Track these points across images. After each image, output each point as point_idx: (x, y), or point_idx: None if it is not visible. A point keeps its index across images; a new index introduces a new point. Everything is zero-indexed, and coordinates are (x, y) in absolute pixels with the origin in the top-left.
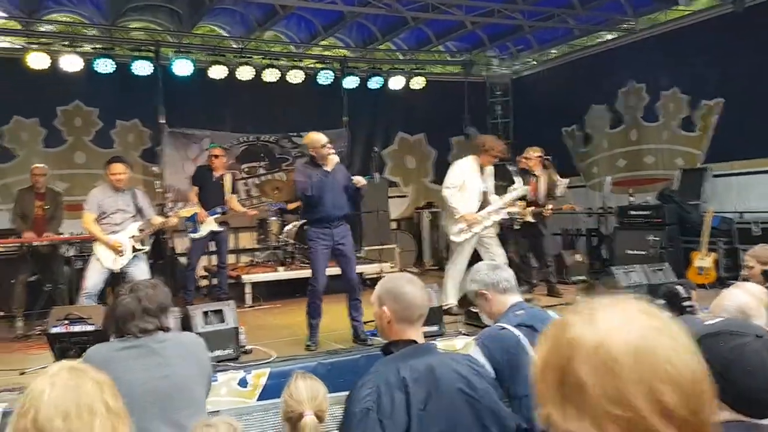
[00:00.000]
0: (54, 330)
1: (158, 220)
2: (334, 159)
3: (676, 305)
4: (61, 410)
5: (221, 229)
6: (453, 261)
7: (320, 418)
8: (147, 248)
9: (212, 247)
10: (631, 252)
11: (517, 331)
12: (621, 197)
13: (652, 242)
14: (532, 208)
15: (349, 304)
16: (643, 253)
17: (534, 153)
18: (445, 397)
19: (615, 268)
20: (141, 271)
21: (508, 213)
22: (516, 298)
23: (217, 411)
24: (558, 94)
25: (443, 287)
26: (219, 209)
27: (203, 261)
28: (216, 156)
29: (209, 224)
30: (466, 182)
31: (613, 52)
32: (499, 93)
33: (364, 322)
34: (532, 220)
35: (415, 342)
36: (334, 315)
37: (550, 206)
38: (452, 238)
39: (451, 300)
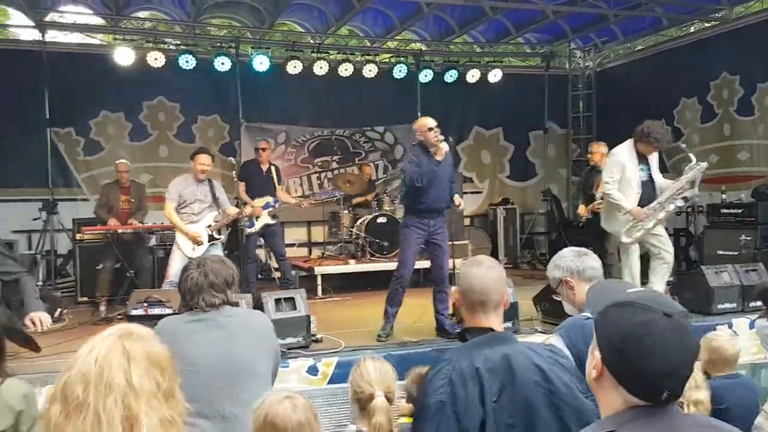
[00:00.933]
0: (133, 312)
1: (233, 210)
2: (444, 147)
3: None
4: (83, 378)
5: (274, 221)
6: (625, 265)
7: (390, 400)
8: (223, 237)
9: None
10: (722, 252)
11: None
12: (712, 195)
13: (744, 242)
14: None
15: (435, 296)
16: (735, 253)
17: (599, 148)
18: (520, 390)
19: (705, 268)
20: None
21: (684, 198)
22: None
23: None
24: (645, 87)
25: None
26: (271, 202)
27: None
28: (263, 149)
29: (264, 218)
30: (625, 173)
31: (704, 43)
32: (581, 86)
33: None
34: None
35: (491, 330)
36: (407, 309)
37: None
38: (623, 239)
39: None
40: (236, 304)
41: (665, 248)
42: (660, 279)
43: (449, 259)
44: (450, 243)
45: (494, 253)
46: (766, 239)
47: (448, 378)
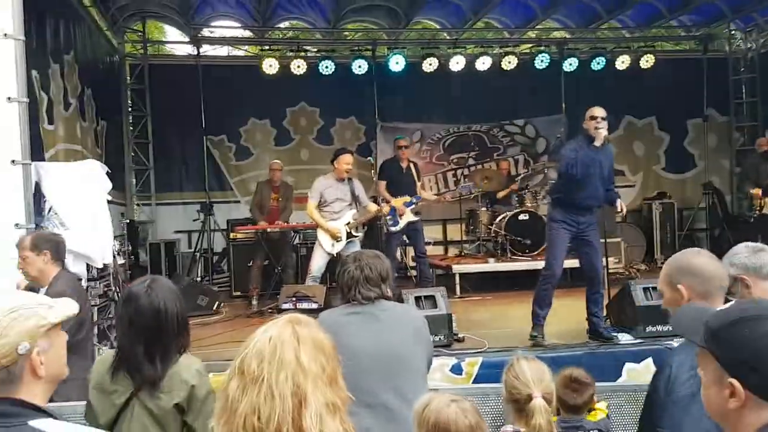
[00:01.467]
0: (284, 306)
1: (373, 207)
2: (602, 133)
3: None
4: (259, 354)
5: (416, 218)
6: None
7: (548, 401)
8: (361, 234)
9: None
10: None
11: None
12: None
13: None
14: None
15: (589, 297)
16: None
17: None
18: None
19: None
20: None
21: None
22: None
23: (437, 389)
24: None
25: None
26: (414, 199)
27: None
28: (405, 147)
29: (407, 216)
30: None
31: None
32: (743, 70)
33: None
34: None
35: None
36: (553, 310)
37: None
38: None
39: None
40: (390, 298)
41: None
42: None
43: (602, 257)
44: (603, 240)
45: (650, 252)
46: None
47: (694, 371)
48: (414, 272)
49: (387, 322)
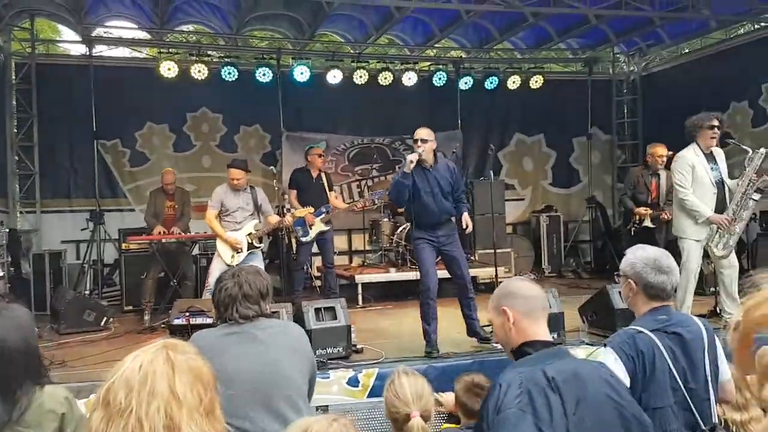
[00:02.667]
0: (176, 321)
1: (275, 219)
2: (409, 157)
3: None
4: (127, 384)
5: (327, 228)
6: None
7: (426, 418)
8: (262, 246)
9: (313, 248)
10: None
11: (655, 338)
12: (765, 202)
13: None
14: (651, 211)
15: (462, 303)
16: None
17: (658, 149)
18: (594, 404)
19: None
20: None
21: (759, 191)
22: (663, 302)
23: (326, 406)
24: (692, 91)
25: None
26: (324, 209)
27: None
28: (320, 155)
29: (318, 226)
30: (696, 173)
31: (755, 44)
32: (625, 91)
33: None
34: (651, 225)
35: (552, 343)
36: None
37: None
38: (717, 253)
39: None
40: (271, 316)
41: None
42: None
43: (466, 265)
44: (493, 251)
45: (538, 262)
46: None
47: (524, 388)
48: (319, 282)
49: (266, 342)
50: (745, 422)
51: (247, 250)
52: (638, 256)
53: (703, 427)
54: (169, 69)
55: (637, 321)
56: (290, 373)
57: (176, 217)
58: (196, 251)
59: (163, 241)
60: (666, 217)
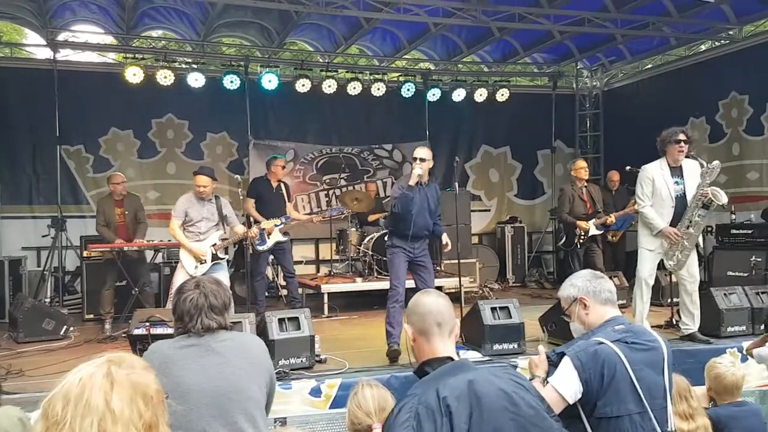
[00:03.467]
0: (136, 331)
1: (240, 229)
2: (415, 174)
3: None
4: (65, 397)
5: (285, 238)
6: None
7: None
8: (227, 257)
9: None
10: (732, 273)
11: (615, 348)
12: (721, 215)
13: (755, 263)
14: (593, 220)
15: None
16: (745, 274)
17: (580, 163)
18: (489, 415)
19: (714, 290)
20: (222, 278)
21: (705, 206)
22: (615, 312)
23: (285, 418)
24: (652, 106)
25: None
26: (282, 219)
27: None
28: (283, 167)
29: (275, 236)
30: (655, 186)
31: (712, 62)
32: (588, 106)
33: None
34: (597, 232)
35: (450, 359)
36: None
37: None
38: (668, 265)
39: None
40: (231, 328)
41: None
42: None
43: (434, 277)
44: (458, 261)
45: (502, 272)
46: None
47: (414, 412)
48: (285, 292)
49: (224, 354)
50: (692, 431)
51: (212, 261)
52: (573, 277)
53: None
54: (134, 74)
55: (596, 332)
56: (248, 386)
57: (127, 224)
58: (159, 260)
59: (125, 249)
60: (612, 220)
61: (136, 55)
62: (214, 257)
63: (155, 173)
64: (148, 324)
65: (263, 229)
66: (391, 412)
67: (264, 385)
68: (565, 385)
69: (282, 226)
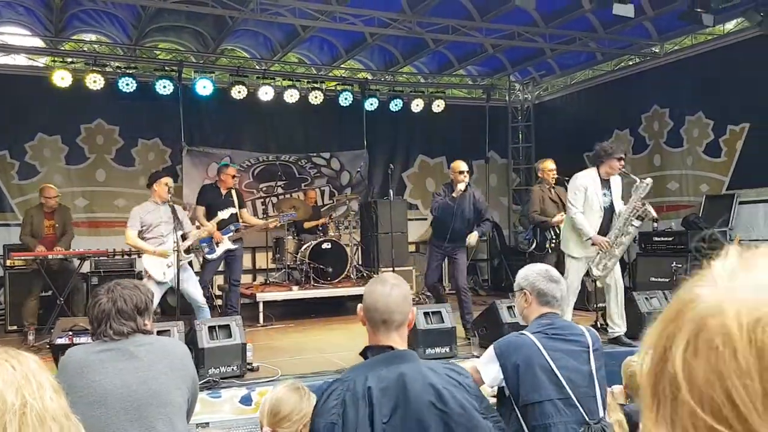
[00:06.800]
0: (58, 341)
1: (195, 232)
2: (459, 188)
3: None
4: None
5: (236, 246)
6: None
7: None
8: (190, 257)
9: (221, 265)
10: (654, 279)
11: (534, 338)
12: (644, 223)
13: (675, 269)
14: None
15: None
16: (667, 280)
17: (548, 164)
18: (413, 410)
19: (636, 294)
20: (193, 282)
21: (640, 218)
22: (552, 309)
23: (207, 423)
24: (580, 119)
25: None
26: (232, 227)
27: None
28: (234, 176)
29: (225, 244)
30: (587, 195)
31: (636, 77)
32: (520, 118)
33: None
34: None
35: (391, 348)
36: (341, 335)
37: None
38: (595, 272)
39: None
40: (149, 332)
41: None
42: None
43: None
44: (392, 269)
45: (439, 279)
46: (696, 267)
47: (341, 399)
48: (220, 301)
49: (143, 359)
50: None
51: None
52: (531, 269)
53: (589, 421)
54: (62, 78)
55: (529, 326)
56: (168, 391)
57: (56, 237)
58: (86, 269)
59: (50, 257)
60: None
61: (65, 59)
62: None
63: (84, 180)
64: (71, 333)
65: (211, 237)
66: (320, 396)
67: (185, 391)
68: (486, 369)
69: (231, 233)
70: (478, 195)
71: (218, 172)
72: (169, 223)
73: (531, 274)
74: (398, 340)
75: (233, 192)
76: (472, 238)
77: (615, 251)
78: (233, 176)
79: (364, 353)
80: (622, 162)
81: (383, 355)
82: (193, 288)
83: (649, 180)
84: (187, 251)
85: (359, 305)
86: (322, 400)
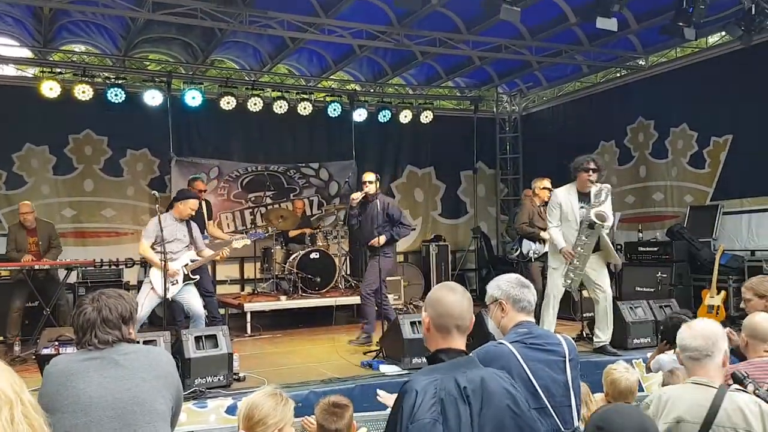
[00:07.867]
0: (44, 351)
1: (208, 252)
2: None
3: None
4: None
5: (195, 277)
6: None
7: None
8: (197, 278)
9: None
10: (640, 289)
11: (512, 347)
12: (629, 234)
13: (660, 279)
14: None
15: None
16: (652, 290)
17: (545, 183)
18: (495, 413)
19: (621, 303)
20: (195, 299)
21: (591, 225)
22: (527, 318)
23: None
24: (566, 130)
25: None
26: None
27: None
28: (203, 190)
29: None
30: (562, 210)
31: (621, 89)
32: (508, 129)
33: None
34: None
35: (465, 352)
36: (329, 345)
37: None
38: (565, 283)
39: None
40: (134, 341)
41: (598, 284)
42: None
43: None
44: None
45: (427, 289)
46: (681, 277)
47: (438, 398)
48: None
49: (128, 367)
50: None
51: (183, 282)
52: (501, 279)
53: (564, 431)
54: (51, 89)
55: (506, 335)
56: (152, 399)
57: (40, 253)
58: (73, 279)
59: (36, 267)
60: None
61: (54, 69)
62: (186, 277)
63: (71, 190)
64: (56, 343)
65: (235, 248)
66: (405, 397)
67: (170, 399)
68: None
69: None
70: (390, 202)
71: (188, 184)
72: (183, 242)
73: (502, 283)
74: (463, 345)
75: (203, 203)
76: (374, 241)
77: (576, 262)
78: (201, 190)
79: (435, 356)
80: (590, 173)
81: (463, 359)
82: (195, 300)
83: (606, 185)
84: (194, 273)
85: (423, 314)
86: (418, 401)
